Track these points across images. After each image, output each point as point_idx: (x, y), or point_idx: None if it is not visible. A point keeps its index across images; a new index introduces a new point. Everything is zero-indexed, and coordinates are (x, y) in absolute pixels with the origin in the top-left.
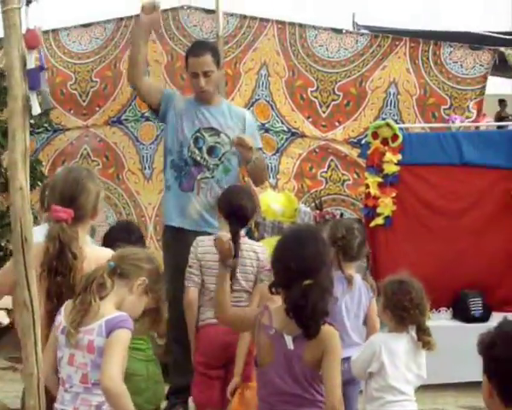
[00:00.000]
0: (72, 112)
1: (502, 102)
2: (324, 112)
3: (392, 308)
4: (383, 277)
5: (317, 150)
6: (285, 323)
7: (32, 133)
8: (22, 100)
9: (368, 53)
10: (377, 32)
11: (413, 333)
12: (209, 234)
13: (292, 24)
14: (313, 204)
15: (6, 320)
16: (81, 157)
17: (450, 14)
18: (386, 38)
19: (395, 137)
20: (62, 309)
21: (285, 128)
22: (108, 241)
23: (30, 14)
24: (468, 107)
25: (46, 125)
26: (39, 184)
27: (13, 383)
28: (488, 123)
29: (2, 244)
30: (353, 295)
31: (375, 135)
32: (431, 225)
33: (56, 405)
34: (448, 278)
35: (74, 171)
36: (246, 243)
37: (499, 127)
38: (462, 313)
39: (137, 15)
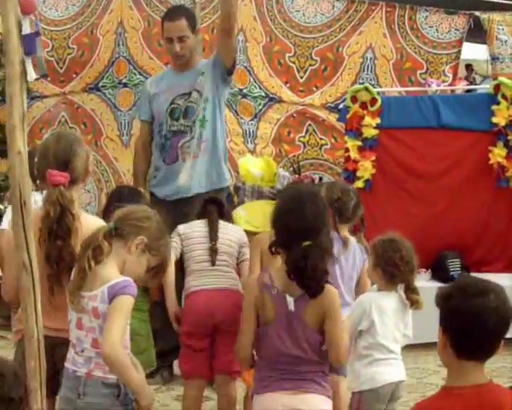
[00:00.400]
0: (49, 79)
1: (468, 67)
2: (302, 77)
3: (382, 266)
4: (365, 238)
5: (294, 115)
6: (286, 284)
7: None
8: (19, 65)
9: (344, 18)
10: None
11: (401, 292)
12: (203, 194)
13: None
14: (291, 169)
15: None
16: (59, 124)
17: None
18: (362, 3)
19: (373, 100)
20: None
21: (263, 93)
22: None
23: None
24: (443, 71)
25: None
26: None
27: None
28: (464, 87)
29: None
30: (348, 256)
31: (353, 99)
32: (410, 188)
33: (67, 365)
34: (427, 239)
35: (64, 136)
36: (225, 225)
37: (468, 91)
38: (441, 274)
39: None
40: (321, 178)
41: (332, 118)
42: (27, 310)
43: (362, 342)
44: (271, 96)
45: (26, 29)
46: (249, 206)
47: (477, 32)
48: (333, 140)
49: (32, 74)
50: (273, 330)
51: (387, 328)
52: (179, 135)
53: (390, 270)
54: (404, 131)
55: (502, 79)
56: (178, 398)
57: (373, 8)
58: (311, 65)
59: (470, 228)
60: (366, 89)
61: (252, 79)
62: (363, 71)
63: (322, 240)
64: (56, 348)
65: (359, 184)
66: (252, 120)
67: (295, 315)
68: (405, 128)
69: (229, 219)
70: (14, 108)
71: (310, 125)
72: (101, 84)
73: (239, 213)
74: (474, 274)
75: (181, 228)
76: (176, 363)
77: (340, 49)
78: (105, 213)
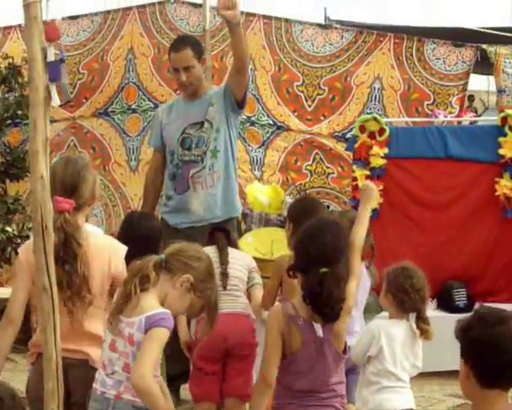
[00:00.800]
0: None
1: (469, 98)
2: (310, 106)
3: (393, 292)
4: None
5: (302, 144)
6: (310, 311)
7: (18, 125)
8: (43, 91)
9: (353, 48)
10: (349, 27)
11: (412, 323)
12: (216, 224)
13: (278, 19)
14: (298, 196)
15: None
16: (68, 148)
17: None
18: (370, 34)
19: (382, 130)
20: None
21: (271, 121)
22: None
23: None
24: (450, 102)
25: None
26: (28, 175)
27: (3, 372)
28: (470, 118)
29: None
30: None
31: (362, 128)
32: (416, 218)
33: (96, 385)
34: (433, 269)
35: (72, 161)
36: (232, 251)
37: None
38: (447, 304)
39: (125, 9)
40: (328, 207)
41: (339, 147)
42: (47, 332)
43: (370, 368)
44: (279, 124)
45: (51, 56)
46: (257, 233)
47: (482, 64)
48: (339, 169)
49: (56, 100)
50: (301, 358)
51: (396, 356)
52: (190, 164)
53: (400, 296)
54: (412, 161)
55: (509, 111)
56: None
57: (381, 39)
58: (319, 94)
59: (476, 258)
60: (375, 119)
61: (260, 107)
62: (371, 101)
63: (340, 268)
64: (70, 369)
65: None
66: (259, 147)
67: (325, 340)
68: (413, 158)
69: (236, 246)
70: (37, 133)
71: (317, 153)
72: (110, 110)
73: (247, 239)
74: (479, 305)
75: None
76: (183, 387)
77: (348, 79)
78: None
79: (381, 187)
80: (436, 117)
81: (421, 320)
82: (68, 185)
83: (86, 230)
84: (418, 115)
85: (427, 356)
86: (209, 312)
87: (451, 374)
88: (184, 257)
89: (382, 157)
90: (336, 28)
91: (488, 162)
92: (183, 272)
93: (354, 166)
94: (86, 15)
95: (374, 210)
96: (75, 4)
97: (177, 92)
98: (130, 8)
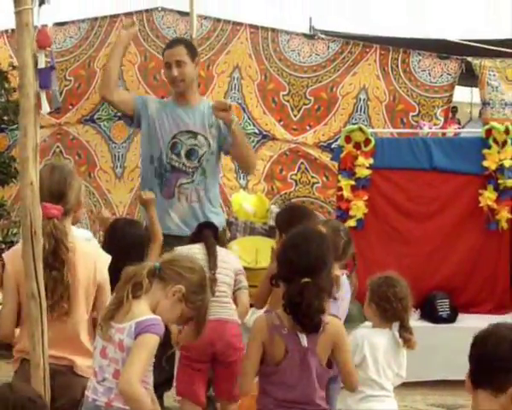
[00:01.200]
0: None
1: (453, 109)
2: (295, 116)
3: (376, 300)
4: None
5: (287, 153)
6: (294, 322)
7: (3, 130)
8: (34, 98)
9: (339, 59)
10: (334, 37)
11: (395, 332)
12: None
13: (265, 28)
14: (286, 204)
15: None
16: (53, 155)
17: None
18: (356, 44)
19: (367, 141)
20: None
21: (256, 130)
22: (114, 234)
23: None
24: (435, 114)
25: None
26: (13, 180)
27: None
28: (455, 130)
29: None
30: (342, 294)
31: (347, 139)
32: (401, 228)
33: (88, 393)
34: (417, 279)
35: (57, 168)
36: (220, 250)
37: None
38: (430, 314)
39: (112, 16)
40: None
41: (324, 157)
42: (35, 338)
43: None
44: (265, 133)
45: (42, 63)
46: (242, 241)
47: (466, 76)
48: (324, 179)
49: (46, 108)
50: (286, 369)
51: (379, 364)
52: (180, 173)
53: (383, 305)
54: (397, 171)
55: (493, 123)
56: None
57: (367, 50)
58: (304, 104)
59: (459, 269)
60: (360, 129)
61: (246, 116)
62: (357, 111)
63: (322, 279)
64: (55, 375)
65: (352, 222)
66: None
67: (309, 349)
68: (398, 169)
69: (223, 243)
70: (27, 140)
71: (302, 163)
72: (96, 117)
73: (232, 248)
74: (462, 315)
75: (178, 251)
76: (166, 395)
77: (334, 89)
78: (103, 247)
79: (366, 197)
80: (421, 128)
81: (404, 330)
82: (55, 192)
83: (73, 236)
84: (403, 126)
85: (410, 366)
86: (197, 322)
87: (434, 384)
88: (178, 267)
89: (367, 168)
90: (323, 39)
91: (472, 174)
92: (176, 282)
93: (340, 176)
94: (73, 22)
95: (358, 220)
96: (63, 11)
97: (164, 99)
98: (117, 16)
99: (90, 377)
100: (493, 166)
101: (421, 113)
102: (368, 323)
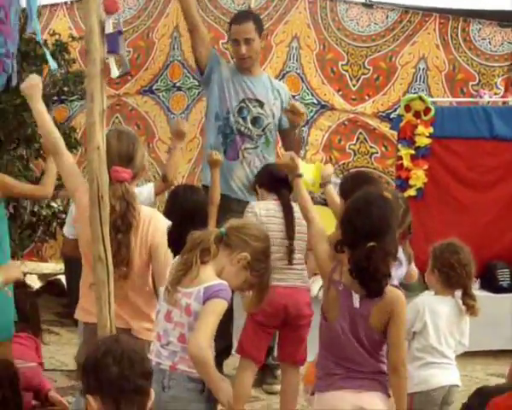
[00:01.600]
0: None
1: None
2: (354, 85)
3: (439, 267)
4: (414, 246)
5: (346, 123)
6: (353, 281)
7: (63, 101)
8: (100, 64)
9: (398, 28)
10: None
11: (458, 299)
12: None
13: None
14: (341, 176)
15: (37, 284)
16: (112, 125)
17: None
18: (416, 13)
19: (427, 110)
20: (170, 265)
21: (315, 100)
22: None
23: None
24: (495, 83)
25: (80, 93)
26: (73, 151)
27: (48, 345)
28: None
29: (35, 210)
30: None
31: (407, 108)
32: (460, 197)
33: (151, 356)
34: (476, 249)
35: (124, 133)
36: (296, 216)
37: None
38: (490, 284)
39: None
40: None
41: (383, 127)
42: (101, 300)
43: (415, 344)
44: (323, 103)
45: (109, 28)
46: None
47: None
48: (383, 149)
49: (114, 71)
50: (338, 325)
51: (441, 332)
52: (245, 137)
53: (446, 271)
54: (457, 141)
55: None
56: None
57: (426, 19)
58: (363, 74)
59: None
60: (420, 98)
61: (304, 86)
62: (416, 81)
63: (387, 242)
64: None
65: (411, 192)
66: (303, 126)
67: (359, 313)
68: (458, 138)
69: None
70: (94, 105)
71: (361, 133)
72: (155, 87)
73: None
74: None
75: (257, 210)
76: (225, 363)
77: (393, 58)
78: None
79: (426, 166)
80: (481, 97)
81: (468, 296)
82: (124, 156)
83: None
84: (463, 96)
85: (470, 335)
86: (260, 289)
87: (494, 354)
88: (244, 234)
89: (427, 137)
90: (381, 8)
91: None
92: (241, 249)
93: (399, 145)
94: None
95: (418, 189)
96: None
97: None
98: None
99: (153, 341)
100: None
101: (482, 82)
102: (427, 292)
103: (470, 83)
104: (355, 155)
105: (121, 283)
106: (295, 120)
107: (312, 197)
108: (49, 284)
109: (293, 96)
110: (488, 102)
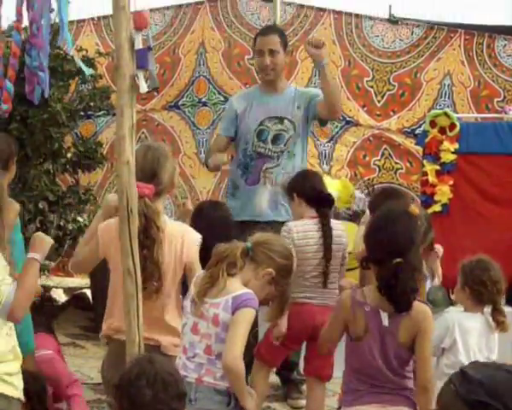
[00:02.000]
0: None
1: None
2: (379, 101)
3: (470, 285)
4: (440, 263)
5: (371, 139)
6: (379, 300)
7: (90, 117)
8: (130, 79)
9: (423, 44)
10: (419, 23)
11: (488, 316)
12: (278, 223)
13: (348, 14)
14: (366, 191)
15: (63, 298)
16: (139, 141)
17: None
18: (441, 30)
19: (452, 126)
20: (194, 279)
21: (340, 116)
22: (199, 217)
23: None
24: None
25: (107, 108)
26: (100, 166)
27: (73, 358)
28: None
29: (62, 224)
30: None
31: (432, 124)
32: (486, 213)
33: None
34: (502, 265)
35: (151, 148)
36: (333, 223)
37: None
38: None
39: (196, 3)
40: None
41: (408, 143)
42: (130, 314)
43: (444, 360)
44: (348, 119)
45: (139, 44)
46: None
47: None
48: (408, 164)
49: (143, 87)
50: (365, 345)
51: (470, 348)
52: (265, 158)
53: (477, 288)
54: (482, 156)
55: None
56: None
57: (451, 35)
58: (388, 90)
59: None
60: (445, 114)
61: None
62: (441, 97)
63: (412, 258)
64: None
65: (437, 207)
66: (328, 142)
67: (389, 331)
68: (483, 154)
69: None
70: (124, 120)
71: (386, 149)
72: (181, 103)
73: None
74: None
75: (295, 235)
76: None
77: (418, 74)
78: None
79: (451, 182)
80: (506, 113)
81: (498, 312)
82: (148, 171)
83: (164, 216)
84: (488, 112)
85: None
86: (281, 302)
87: None
88: (270, 250)
89: (453, 152)
90: (406, 24)
91: None
92: (266, 265)
93: (424, 161)
94: (158, 9)
95: (443, 205)
96: None
97: (247, 86)
98: (201, 3)
99: (179, 354)
100: None
101: (507, 98)
102: (452, 308)
103: (495, 99)
104: (380, 170)
105: (151, 299)
106: (319, 55)
107: (337, 213)
108: (75, 297)
109: None
110: None
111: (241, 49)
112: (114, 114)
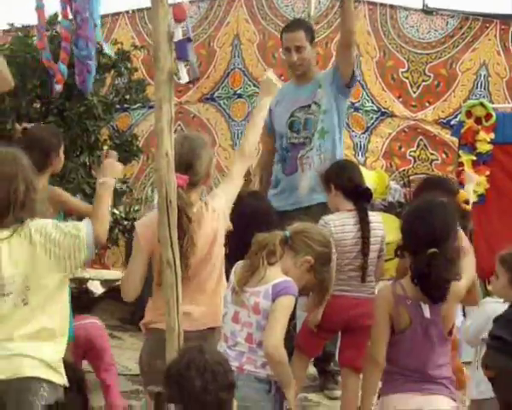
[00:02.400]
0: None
1: None
2: (415, 92)
3: (510, 276)
4: (476, 253)
5: (406, 130)
6: (417, 292)
7: (126, 109)
8: (168, 72)
9: (458, 35)
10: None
11: None
12: (323, 204)
13: (383, 5)
14: (402, 182)
15: (100, 290)
16: (175, 133)
17: None
18: (476, 20)
19: (488, 116)
20: (234, 268)
21: (375, 108)
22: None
23: None
24: None
25: (142, 101)
26: (135, 158)
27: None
28: None
29: None
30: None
31: (468, 114)
32: None
33: None
34: None
35: (189, 138)
36: (370, 215)
37: None
38: None
39: None
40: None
41: (444, 133)
42: (170, 303)
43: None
44: (383, 110)
45: (179, 36)
46: None
47: None
48: (444, 155)
49: (184, 77)
50: (409, 337)
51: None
52: (299, 146)
53: None
54: None
55: None
56: None
57: (487, 25)
58: (424, 81)
59: None
60: (481, 104)
61: (365, 93)
62: (477, 88)
63: (448, 249)
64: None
65: (473, 198)
66: (363, 133)
67: (431, 321)
68: None
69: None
70: (162, 113)
71: (421, 140)
72: (216, 95)
73: None
74: None
75: (332, 228)
76: None
77: (454, 65)
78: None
79: (488, 172)
80: None
81: None
82: (183, 162)
83: (200, 205)
84: None
85: None
86: (321, 292)
87: None
88: (308, 239)
89: (489, 142)
90: (441, 14)
91: None
92: (305, 253)
93: (460, 152)
94: (193, 2)
95: (480, 195)
96: None
97: (282, 78)
98: None
99: (220, 343)
100: None
101: None
102: (488, 298)
103: None
104: (415, 161)
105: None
106: None
107: (373, 204)
108: (113, 289)
109: (353, 104)
110: None
111: (275, 40)
112: (150, 107)
